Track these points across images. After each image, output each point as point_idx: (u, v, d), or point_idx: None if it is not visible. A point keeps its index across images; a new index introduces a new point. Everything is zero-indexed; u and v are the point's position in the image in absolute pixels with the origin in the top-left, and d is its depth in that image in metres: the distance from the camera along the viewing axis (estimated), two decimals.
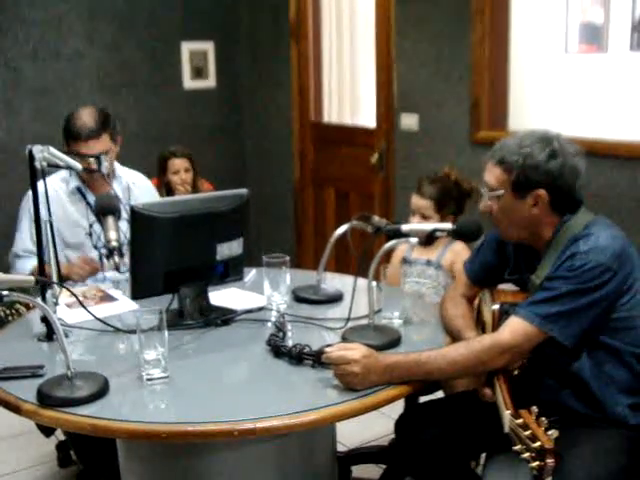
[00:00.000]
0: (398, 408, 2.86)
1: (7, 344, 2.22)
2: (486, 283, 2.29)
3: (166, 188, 4.07)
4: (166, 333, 1.88)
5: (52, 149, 2.23)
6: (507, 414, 1.71)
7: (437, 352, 1.95)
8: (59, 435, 3.19)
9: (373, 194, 4.37)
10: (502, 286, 2.26)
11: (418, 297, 2.69)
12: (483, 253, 2.29)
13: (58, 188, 2.95)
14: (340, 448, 3.16)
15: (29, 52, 4.49)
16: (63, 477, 3.15)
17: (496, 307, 2.12)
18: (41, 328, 2.20)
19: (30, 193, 2.82)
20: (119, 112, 4.78)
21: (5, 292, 1.62)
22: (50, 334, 2.16)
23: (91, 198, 2.97)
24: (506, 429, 1.70)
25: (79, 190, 2.98)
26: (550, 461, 1.56)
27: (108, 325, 2.21)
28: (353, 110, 4.67)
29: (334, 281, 2.72)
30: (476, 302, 2.38)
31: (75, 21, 4.59)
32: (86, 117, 2.85)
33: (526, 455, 1.58)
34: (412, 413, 2.43)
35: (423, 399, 2.61)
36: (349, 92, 4.67)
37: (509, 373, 1.97)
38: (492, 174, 2.03)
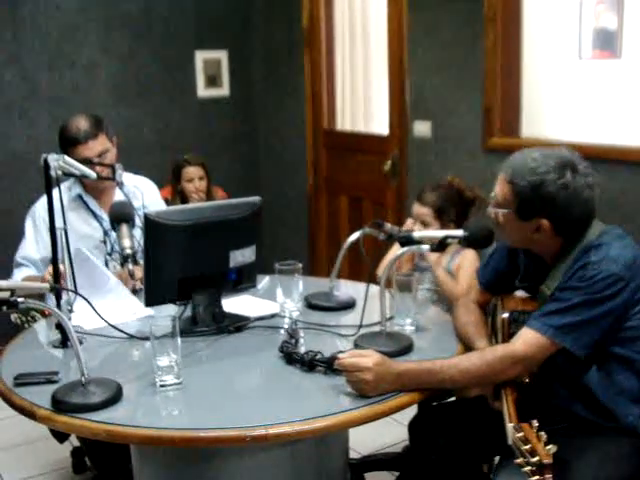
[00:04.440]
0: (411, 415, 2.87)
1: (23, 350, 2.24)
2: (498, 290, 2.29)
3: (180, 196, 4.09)
4: (179, 340, 1.89)
5: (67, 158, 2.26)
6: (510, 427, 1.71)
7: (450, 361, 1.95)
8: (74, 441, 3.21)
9: (386, 201, 4.38)
10: (517, 293, 2.26)
11: (431, 304, 2.70)
12: (495, 259, 2.30)
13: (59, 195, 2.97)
14: (353, 455, 3.17)
15: (45, 62, 4.53)
16: None
17: (505, 315, 2.12)
18: (56, 335, 2.22)
19: (38, 202, 2.84)
20: (134, 121, 4.85)
21: (20, 299, 1.64)
22: (65, 341, 2.18)
23: (92, 205, 2.99)
24: (509, 441, 1.70)
25: (80, 197, 3.00)
26: (548, 476, 1.56)
27: (122, 332, 2.22)
28: (366, 117, 4.68)
29: (347, 288, 2.73)
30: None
31: (90, 31, 4.63)
32: (79, 122, 2.90)
33: (526, 469, 1.58)
34: (425, 416, 2.43)
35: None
36: (362, 99, 4.68)
37: (519, 380, 1.97)
38: (501, 189, 2.02)
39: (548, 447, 1.58)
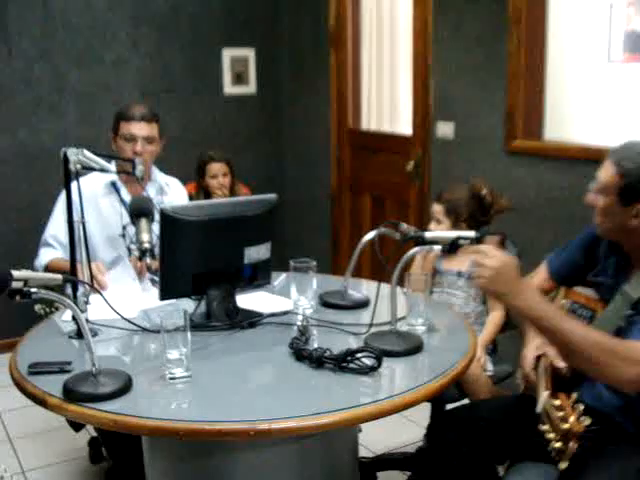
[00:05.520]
0: (425, 415, 2.89)
1: (40, 340, 2.28)
2: (565, 281, 2.25)
3: (204, 192, 4.13)
4: (189, 334, 1.92)
5: (86, 152, 2.30)
6: (545, 393, 1.70)
7: (583, 326, 1.90)
8: (91, 431, 3.26)
9: (409, 201, 4.38)
10: (578, 289, 2.22)
11: (448, 307, 2.70)
12: (571, 250, 2.26)
13: (95, 181, 3.03)
14: (367, 454, 3.19)
15: (75, 57, 4.60)
16: (93, 472, 3.22)
17: (566, 303, 2.09)
18: (73, 326, 2.26)
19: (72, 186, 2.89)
20: (160, 117, 4.87)
21: (34, 289, 1.68)
22: (80, 332, 2.21)
23: (124, 194, 3.05)
24: (539, 409, 1.69)
25: (114, 185, 3.06)
26: (573, 444, 1.54)
27: (134, 325, 2.26)
28: (392, 118, 4.69)
29: (362, 287, 2.75)
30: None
31: (119, 27, 4.69)
32: (140, 106, 3.10)
33: (551, 436, 1.57)
34: (442, 421, 2.43)
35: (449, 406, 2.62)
36: (388, 99, 4.68)
37: (558, 371, 1.95)
38: (605, 171, 1.99)
39: (582, 418, 1.57)
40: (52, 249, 2.98)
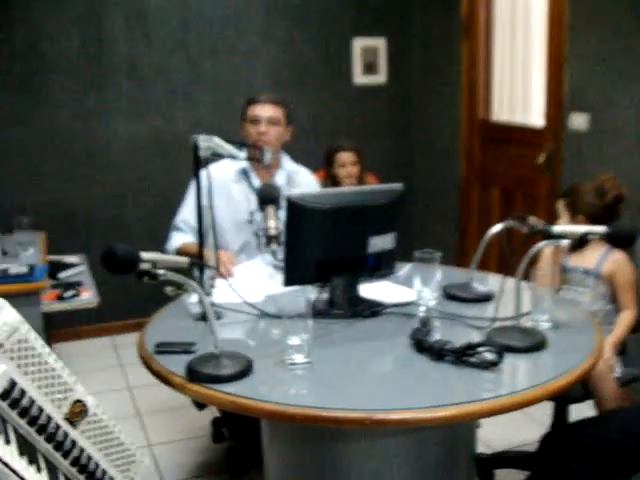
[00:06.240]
0: (547, 413, 2.81)
1: (167, 321, 2.37)
2: None
3: (332, 181, 4.15)
4: (311, 320, 1.94)
5: (216, 139, 2.36)
6: None
7: None
8: (214, 411, 3.36)
9: (539, 195, 4.27)
10: None
11: (575, 305, 2.62)
12: None
13: (227, 167, 3.11)
14: (485, 450, 3.14)
15: (209, 48, 4.72)
16: (215, 451, 3.31)
17: None
18: (199, 308, 2.33)
19: (202, 172, 2.99)
20: (290, 106, 4.95)
21: (161, 271, 1.74)
22: (205, 314, 2.27)
23: (254, 181, 3.11)
24: None
25: (244, 172, 3.13)
26: None
27: (257, 309, 2.30)
28: (525, 108, 4.57)
29: (488, 280, 2.70)
30: None
31: (252, 18, 4.79)
32: (269, 92, 3.23)
33: None
34: (558, 433, 2.36)
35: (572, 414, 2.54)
36: (521, 90, 4.56)
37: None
38: None
39: None
40: (183, 233, 3.08)
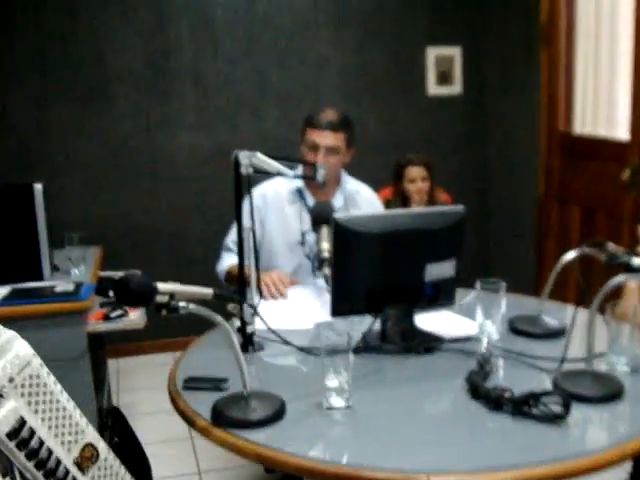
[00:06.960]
0: (622, 476, 2.53)
1: (202, 351, 2.21)
2: None
3: (401, 197, 3.97)
4: (351, 357, 1.74)
5: (259, 154, 2.21)
6: None
7: None
8: None
9: (622, 215, 3.96)
10: None
11: None
12: None
13: (281, 187, 2.94)
14: None
15: (276, 58, 4.60)
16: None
17: None
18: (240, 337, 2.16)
19: (256, 189, 2.82)
20: (360, 117, 4.75)
21: (182, 304, 1.58)
22: (245, 345, 2.11)
23: (309, 201, 2.93)
24: None
25: (299, 192, 2.95)
26: None
27: (292, 346, 2.12)
28: (610, 121, 4.27)
29: (563, 313, 2.44)
30: None
31: (321, 27, 4.63)
32: (330, 112, 2.91)
33: None
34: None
35: None
36: (606, 102, 4.27)
37: None
38: None
39: None
40: (233, 254, 2.93)
